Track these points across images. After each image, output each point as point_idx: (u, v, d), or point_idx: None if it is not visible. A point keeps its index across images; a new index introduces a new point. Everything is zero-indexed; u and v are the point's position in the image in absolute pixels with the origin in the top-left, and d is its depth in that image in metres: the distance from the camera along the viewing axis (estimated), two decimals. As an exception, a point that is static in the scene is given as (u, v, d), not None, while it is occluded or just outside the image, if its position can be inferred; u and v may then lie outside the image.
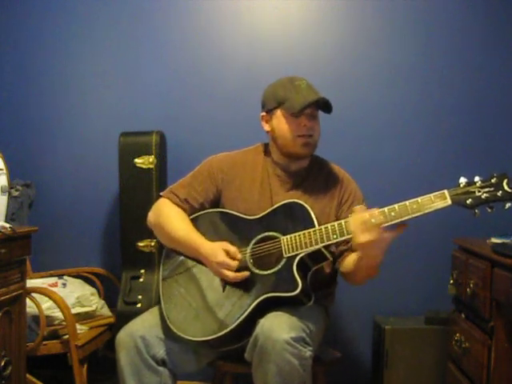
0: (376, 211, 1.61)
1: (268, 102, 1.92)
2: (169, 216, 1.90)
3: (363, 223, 1.60)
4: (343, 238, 1.69)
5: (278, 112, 1.88)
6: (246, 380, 1.77)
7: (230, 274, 1.75)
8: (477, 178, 1.58)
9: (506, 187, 1.54)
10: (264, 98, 1.95)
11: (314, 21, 2.74)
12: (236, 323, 1.70)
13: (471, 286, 1.85)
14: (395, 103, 2.69)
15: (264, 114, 1.94)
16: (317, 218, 1.77)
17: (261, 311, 1.69)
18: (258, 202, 1.89)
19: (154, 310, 1.89)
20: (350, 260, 1.83)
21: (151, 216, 1.96)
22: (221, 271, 1.76)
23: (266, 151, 1.99)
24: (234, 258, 1.77)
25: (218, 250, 1.77)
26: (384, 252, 1.67)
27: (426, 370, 2.39)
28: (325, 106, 1.87)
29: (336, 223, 1.70)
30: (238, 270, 1.77)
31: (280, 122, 1.88)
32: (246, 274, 1.75)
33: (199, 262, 1.86)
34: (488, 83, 2.64)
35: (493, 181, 1.56)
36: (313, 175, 1.95)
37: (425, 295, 2.63)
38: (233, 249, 1.78)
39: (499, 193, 1.54)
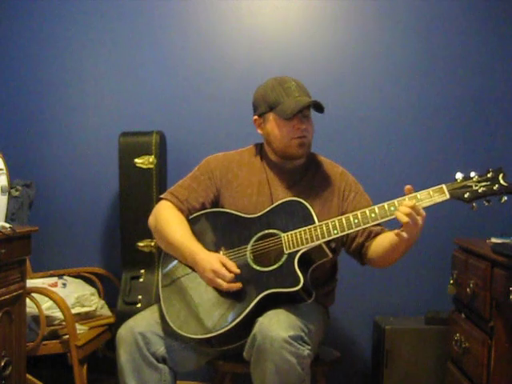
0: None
1: (259, 106, 1.92)
2: (167, 220, 1.89)
3: (412, 209, 1.60)
4: (344, 233, 1.71)
5: (271, 116, 1.88)
6: (245, 380, 1.77)
7: (224, 284, 1.73)
8: (473, 173, 1.61)
9: (501, 181, 1.57)
10: (255, 102, 1.95)
11: (314, 21, 2.74)
12: (237, 320, 1.70)
13: (471, 286, 1.85)
14: (395, 102, 2.69)
15: (256, 117, 1.94)
16: (318, 214, 1.78)
17: (261, 309, 1.69)
18: (258, 201, 1.89)
19: (154, 308, 1.89)
20: (379, 245, 1.83)
21: (151, 219, 1.95)
22: (215, 280, 1.74)
23: (262, 152, 2.00)
24: (230, 271, 1.74)
25: (214, 260, 1.76)
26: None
27: (426, 370, 2.40)
28: (317, 106, 1.87)
29: (336, 219, 1.72)
30: (238, 269, 1.76)
31: (273, 127, 1.88)
32: (238, 285, 1.73)
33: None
34: (486, 83, 2.64)
35: (489, 175, 1.59)
36: (311, 172, 1.96)
37: (425, 295, 2.63)
38: (230, 262, 1.76)
39: (495, 186, 1.57)
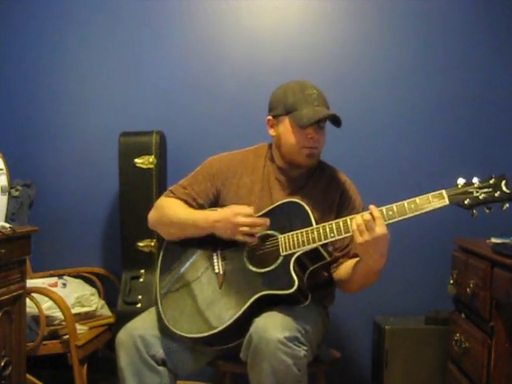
0: (376, 209, 1.62)
1: (276, 107, 1.88)
2: (170, 206, 1.90)
3: (364, 223, 1.60)
4: (340, 237, 1.69)
5: (286, 120, 1.84)
6: (245, 380, 1.77)
7: (248, 219, 1.74)
8: (475, 179, 1.58)
9: (504, 188, 1.54)
10: (272, 102, 1.91)
11: (314, 21, 2.74)
12: (231, 320, 1.70)
13: (471, 286, 1.85)
14: (395, 103, 2.69)
15: (270, 118, 1.90)
16: (319, 221, 1.76)
17: (257, 310, 1.69)
18: (258, 205, 1.87)
19: (153, 310, 1.89)
20: (346, 266, 1.83)
21: (152, 213, 1.95)
22: (237, 221, 1.75)
23: (270, 155, 1.97)
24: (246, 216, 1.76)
25: (227, 209, 1.79)
26: (384, 257, 1.66)
27: (426, 370, 2.39)
28: (334, 120, 1.85)
29: (334, 222, 1.70)
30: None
31: (286, 131, 1.84)
32: (266, 220, 1.76)
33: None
34: (488, 83, 2.64)
35: (491, 181, 1.57)
36: (313, 181, 1.94)
37: (425, 295, 2.63)
38: (241, 208, 1.77)
39: (497, 193, 1.55)
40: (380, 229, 1.59)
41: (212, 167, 1.96)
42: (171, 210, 1.89)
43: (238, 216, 1.75)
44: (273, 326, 1.61)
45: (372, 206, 1.63)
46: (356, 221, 1.62)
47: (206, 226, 1.82)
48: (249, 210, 1.76)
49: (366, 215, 1.61)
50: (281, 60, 2.72)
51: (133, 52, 2.84)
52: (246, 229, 1.75)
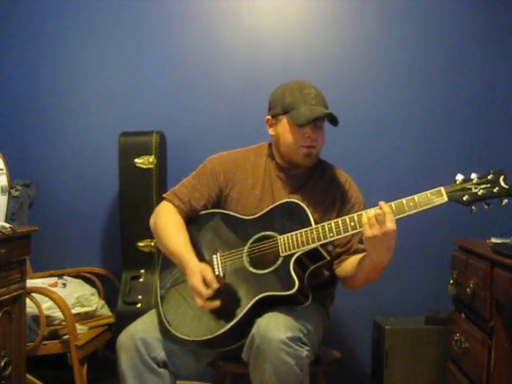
0: (386, 205, 1.61)
1: (275, 107, 1.89)
2: (165, 225, 1.87)
3: (375, 216, 1.59)
4: (340, 237, 1.69)
5: (284, 119, 1.85)
6: (246, 380, 1.77)
7: (198, 301, 1.68)
8: (473, 175, 1.57)
9: (502, 183, 1.54)
10: (271, 101, 1.92)
11: (314, 21, 2.75)
12: (233, 323, 1.69)
13: (471, 285, 1.85)
14: (394, 102, 2.70)
15: (269, 117, 1.91)
16: (319, 220, 1.76)
17: (258, 311, 1.69)
18: (260, 204, 1.88)
19: (153, 312, 1.88)
20: (350, 262, 1.83)
21: (152, 220, 1.94)
22: (192, 295, 1.70)
23: (270, 153, 1.97)
24: (209, 287, 1.67)
25: (196, 273, 1.68)
26: (391, 252, 1.65)
27: (426, 370, 2.40)
28: (331, 119, 1.85)
29: (333, 222, 1.69)
30: (219, 295, 1.70)
31: (284, 130, 1.85)
32: (216, 303, 1.68)
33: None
34: (488, 83, 2.65)
35: (489, 177, 1.56)
36: (314, 179, 1.94)
37: (425, 295, 2.63)
38: (209, 276, 1.67)
39: (495, 189, 1.54)
40: (390, 224, 1.59)
41: (214, 166, 1.95)
42: (164, 231, 1.86)
43: (194, 294, 1.68)
44: (275, 327, 1.61)
45: (382, 202, 1.62)
46: (367, 214, 1.61)
47: (180, 268, 1.81)
48: (206, 292, 1.66)
49: (377, 210, 1.61)
50: (281, 60, 2.73)
51: (133, 52, 2.84)
52: (196, 305, 1.70)
